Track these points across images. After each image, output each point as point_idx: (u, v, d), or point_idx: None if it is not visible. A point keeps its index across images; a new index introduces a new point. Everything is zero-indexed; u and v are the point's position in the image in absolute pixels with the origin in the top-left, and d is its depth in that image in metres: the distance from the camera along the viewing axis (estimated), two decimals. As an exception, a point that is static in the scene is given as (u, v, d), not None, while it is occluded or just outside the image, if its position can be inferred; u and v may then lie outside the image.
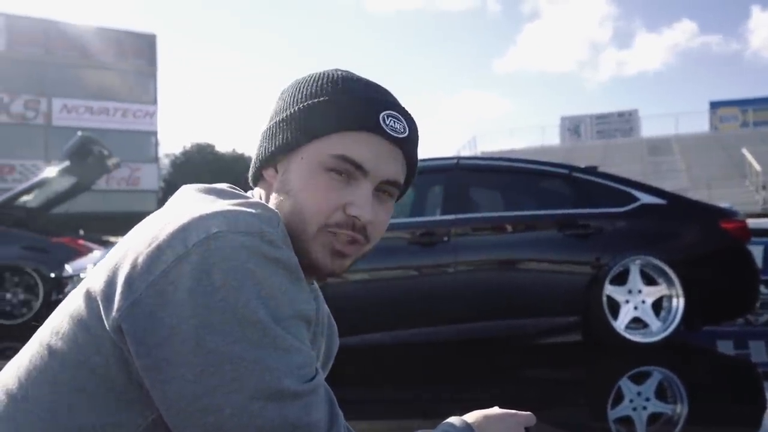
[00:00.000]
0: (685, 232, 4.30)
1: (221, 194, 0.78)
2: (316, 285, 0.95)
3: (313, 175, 0.78)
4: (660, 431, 2.91)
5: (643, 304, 4.08)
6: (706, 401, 3.21)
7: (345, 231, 0.78)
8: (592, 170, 4.58)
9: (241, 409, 0.63)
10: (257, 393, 0.64)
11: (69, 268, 4.87)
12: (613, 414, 3.06)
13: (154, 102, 32.27)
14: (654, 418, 3.04)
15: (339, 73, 0.83)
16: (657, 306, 4.10)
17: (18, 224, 6.75)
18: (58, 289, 4.91)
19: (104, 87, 30.17)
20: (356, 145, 0.78)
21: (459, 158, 4.54)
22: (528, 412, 0.82)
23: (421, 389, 3.50)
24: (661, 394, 3.45)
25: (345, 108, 0.78)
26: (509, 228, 4.21)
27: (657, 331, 4.04)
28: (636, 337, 4.01)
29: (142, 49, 32.23)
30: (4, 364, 0.79)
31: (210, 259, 0.65)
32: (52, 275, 5.29)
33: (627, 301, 4.07)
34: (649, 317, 4.07)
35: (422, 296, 3.97)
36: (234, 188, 0.82)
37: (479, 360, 4.10)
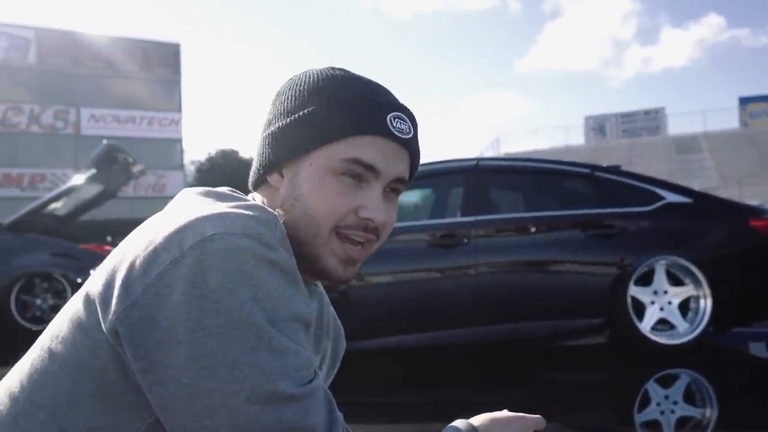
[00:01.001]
0: (713, 231, 4.21)
1: (220, 197, 0.77)
2: (321, 288, 0.94)
3: (324, 179, 0.78)
4: (688, 435, 2.85)
5: (669, 305, 4.00)
6: (736, 405, 3.13)
7: (357, 232, 0.79)
8: (614, 169, 4.51)
9: (236, 413, 0.63)
10: (253, 396, 0.63)
11: (95, 274, 4.95)
12: (639, 418, 3.00)
13: (179, 110, 32.80)
14: (682, 422, 2.97)
15: (339, 73, 0.83)
16: (684, 307, 4.01)
17: (47, 231, 6.91)
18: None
19: (130, 96, 30.76)
20: (367, 149, 0.78)
21: (479, 159, 4.51)
22: (537, 416, 0.80)
23: (442, 393, 3.48)
24: (689, 397, 3.37)
25: (354, 112, 0.79)
26: (531, 229, 4.16)
27: (684, 332, 3.95)
28: (662, 339, 3.93)
29: (166, 58, 32.80)
30: None
31: (206, 261, 0.65)
32: (79, 280, 5.39)
33: (652, 302, 4.00)
34: (675, 318, 3.99)
35: (442, 298, 3.95)
36: (234, 191, 0.81)
37: (501, 363, 4.06)
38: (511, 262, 4.08)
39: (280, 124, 0.82)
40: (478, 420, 0.78)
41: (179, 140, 32.62)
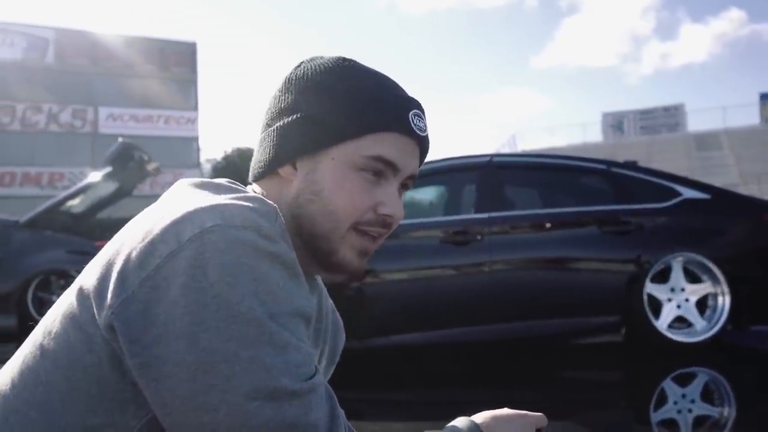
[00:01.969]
0: (731, 228, 4.15)
1: (218, 188, 0.76)
2: (320, 282, 0.93)
3: (346, 175, 0.78)
4: (705, 435, 2.80)
5: (686, 302, 3.93)
6: (755, 404, 3.07)
7: (376, 228, 0.80)
8: (631, 165, 4.45)
9: (237, 409, 0.61)
10: (253, 392, 0.61)
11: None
12: (656, 416, 2.96)
13: (195, 108, 33.05)
14: (700, 421, 2.92)
15: (353, 64, 0.82)
16: (701, 304, 3.95)
17: (64, 229, 6.96)
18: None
19: (147, 95, 31.04)
20: (389, 146, 0.78)
21: (492, 155, 4.47)
22: (539, 413, 0.79)
23: (455, 391, 3.45)
24: (707, 396, 3.31)
25: (379, 109, 0.78)
26: (545, 226, 4.12)
27: (702, 330, 3.89)
28: (679, 337, 3.87)
29: (183, 57, 33.05)
30: None
31: (204, 254, 0.63)
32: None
33: (669, 300, 3.93)
34: (693, 316, 3.93)
35: (456, 296, 3.92)
36: (233, 183, 0.80)
37: (516, 361, 4.02)
38: (526, 259, 4.04)
39: (297, 116, 0.80)
40: (480, 417, 0.76)
41: (196, 139, 32.87)
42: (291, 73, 0.83)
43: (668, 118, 38.67)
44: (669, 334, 3.86)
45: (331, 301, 0.97)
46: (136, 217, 0.75)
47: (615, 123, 39.94)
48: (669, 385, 3.42)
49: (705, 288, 3.93)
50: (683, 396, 3.27)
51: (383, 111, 0.78)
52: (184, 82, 32.81)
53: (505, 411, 0.78)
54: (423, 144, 0.82)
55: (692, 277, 3.97)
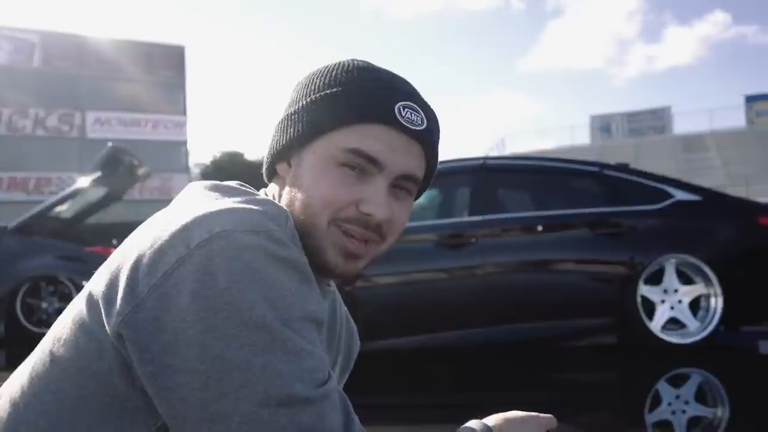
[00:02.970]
0: (723, 229, 4.18)
1: (227, 191, 0.75)
2: (333, 287, 0.91)
3: (325, 169, 0.75)
4: (701, 436, 2.81)
5: (679, 303, 3.95)
6: (748, 404, 3.08)
7: (356, 228, 0.75)
8: (623, 167, 4.47)
9: (250, 417, 0.60)
10: (267, 399, 0.60)
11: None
12: (650, 418, 2.96)
13: (184, 112, 32.85)
14: (693, 422, 2.93)
15: (355, 62, 0.80)
16: (694, 306, 3.97)
17: (53, 235, 6.89)
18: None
19: (135, 99, 30.83)
20: (370, 139, 0.74)
21: (485, 158, 4.48)
22: (549, 415, 0.78)
23: (450, 394, 3.44)
24: (700, 397, 3.33)
25: (358, 99, 0.75)
26: (538, 228, 4.13)
27: (695, 331, 3.91)
28: (673, 338, 3.89)
29: (171, 61, 32.86)
30: None
31: (214, 259, 0.62)
32: (84, 283, 5.37)
33: (663, 301, 3.96)
34: (686, 317, 3.95)
35: (450, 299, 3.91)
36: (243, 185, 0.79)
37: (510, 364, 4.02)
38: (520, 262, 4.05)
39: (290, 111, 0.80)
40: (492, 420, 0.75)
41: (184, 143, 32.66)
42: (300, 78, 0.84)
43: (655, 120, 38.96)
44: (663, 336, 3.88)
45: (345, 308, 0.95)
46: (146, 221, 0.73)
47: (603, 125, 40.18)
48: (663, 387, 3.43)
49: (698, 289, 3.96)
50: (677, 397, 3.28)
51: (363, 100, 0.74)
52: (172, 86, 32.61)
53: (517, 413, 0.77)
54: (422, 140, 0.76)
55: (685, 279, 3.99)
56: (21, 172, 28.80)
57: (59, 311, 6.33)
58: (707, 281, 3.92)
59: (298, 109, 0.78)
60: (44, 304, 6.42)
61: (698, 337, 3.87)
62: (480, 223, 4.00)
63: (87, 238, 7.57)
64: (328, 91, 0.77)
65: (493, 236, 4.01)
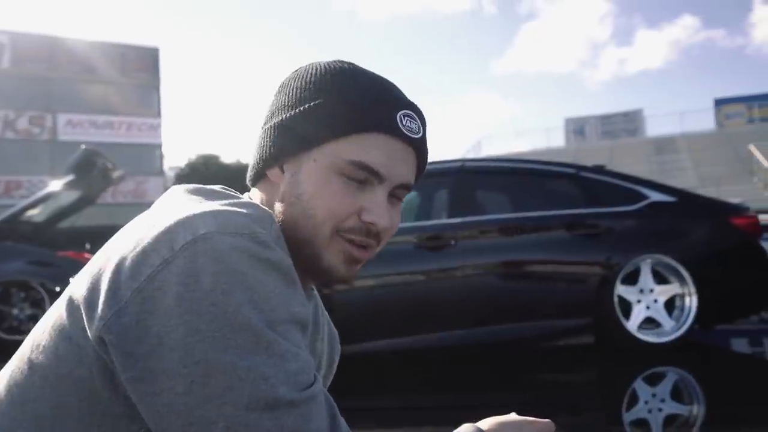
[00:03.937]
0: (697, 229, 4.25)
1: (211, 195, 0.74)
2: (315, 292, 0.90)
3: (327, 178, 0.74)
4: (677, 433, 2.85)
5: (655, 303, 4.01)
6: (722, 401, 3.14)
7: (358, 237, 0.76)
8: (599, 169, 4.53)
9: (235, 421, 0.59)
10: (252, 403, 0.59)
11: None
12: (628, 417, 3.00)
13: (158, 115, 32.49)
14: (670, 419, 2.98)
15: (346, 65, 0.79)
16: (670, 305, 4.03)
17: (24, 239, 6.75)
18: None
19: (108, 101, 30.40)
20: (372, 149, 0.74)
21: (464, 161, 4.50)
22: (547, 420, 0.77)
23: (430, 396, 3.45)
24: (676, 395, 3.38)
25: (362, 108, 0.75)
26: (517, 230, 4.16)
27: (670, 330, 3.97)
28: (649, 338, 3.94)
29: (145, 63, 32.47)
30: None
31: (198, 262, 0.61)
32: (57, 289, 5.27)
33: (639, 301, 4.01)
34: (661, 317, 4.01)
35: (430, 301, 3.92)
36: (226, 189, 0.78)
37: (489, 365, 4.04)
38: (499, 263, 4.07)
39: (284, 116, 0.77)
40: (486, 424, 0.74)
41: (159, 146, 32.29)
42: (286, 77, 0.82)
43: (628, 123, 39.56)
44: (639, 335, 3.93)
45: (327, 314, 0.95)
46: (128, 224, 0.72)
47: (577, 128, 40.70)
48: (640, 385, 3.47)
49: (673, 289, 4.02)
50: (653, 395, 3.32)
51: (367, 110, 0.74)
52: (146, 88, 32.23)
53: (513, 417, 0.76)
54: (417, 148, 0.77)
55: (660, 279, 4.05)
56: (-10, 176, 28.19)
57: (31, 318, 6.21)
58: (682, 281, 3.99)
59: (294, 115, 0.77)
60: (15, 311, 6.28)
61: (673, 336, 3.93)
62: (459, 225, 4.01)
63: (59, 243, 7.42)
64: (331, 99, 0.75)
65: (472, 238, 4.03)
